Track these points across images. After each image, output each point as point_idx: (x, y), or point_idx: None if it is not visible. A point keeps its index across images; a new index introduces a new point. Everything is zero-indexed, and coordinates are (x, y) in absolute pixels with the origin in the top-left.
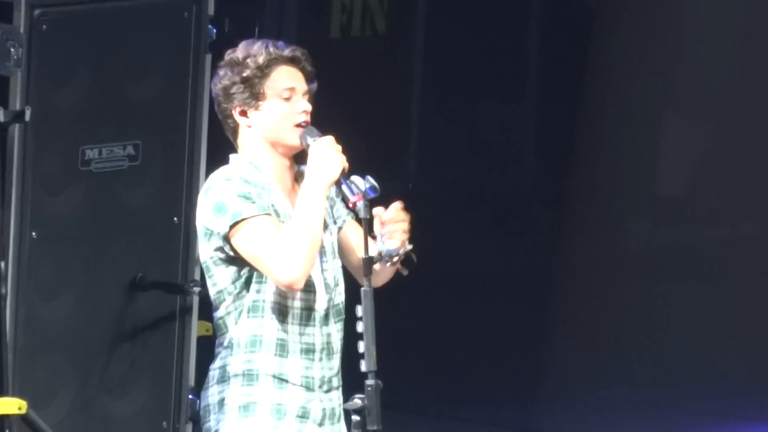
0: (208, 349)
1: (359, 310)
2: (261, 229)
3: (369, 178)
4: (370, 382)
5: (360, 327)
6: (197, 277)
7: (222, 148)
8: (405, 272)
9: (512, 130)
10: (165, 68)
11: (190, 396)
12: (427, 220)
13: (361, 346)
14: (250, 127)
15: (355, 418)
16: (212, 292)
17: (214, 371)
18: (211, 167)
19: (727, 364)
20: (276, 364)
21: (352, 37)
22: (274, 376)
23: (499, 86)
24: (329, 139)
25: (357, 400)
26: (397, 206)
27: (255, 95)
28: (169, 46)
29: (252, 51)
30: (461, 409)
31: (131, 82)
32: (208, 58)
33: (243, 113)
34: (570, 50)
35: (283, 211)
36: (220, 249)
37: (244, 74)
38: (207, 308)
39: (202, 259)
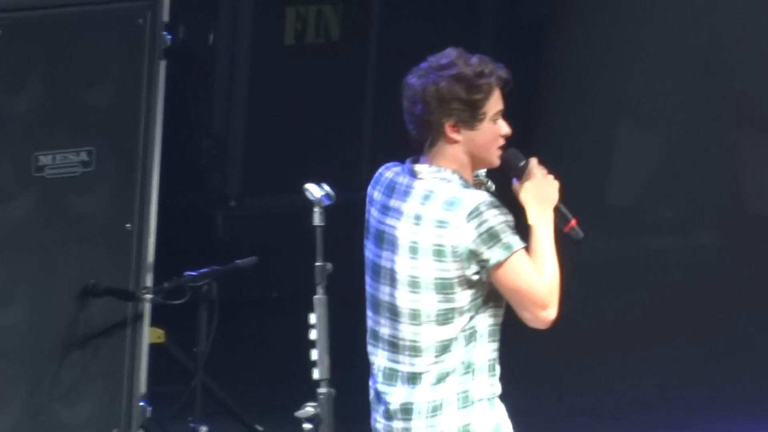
0: (159, 356)
1: (312, 318)
2: (526, 264)
3: (324, 185)
4: (322, 390)
5: (313, 335)
6: (149, 283)
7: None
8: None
9: None
10: (119, 74)
11: (141, 403)
12: None
13: (314, 354)
14: (458, 141)
15: (306, 426)
16: (438, 307)
17: (450, 397)
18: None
19: (678, 373)
20: (499, 387)
21: (306, 44)
22: (492, 398)
23: None
24: (537, 161)
25: (309, 408)
26: None
27: (475, 116)
28: (124, 52)
29: (479, 69)
30: None
31: (85, 88)
32: (163, 64)
33: (456, 129)
34: (522, 59)
35: None
36: (477, 273)
37: (474, 96)
38: (158, 315)
39: (439, 275)
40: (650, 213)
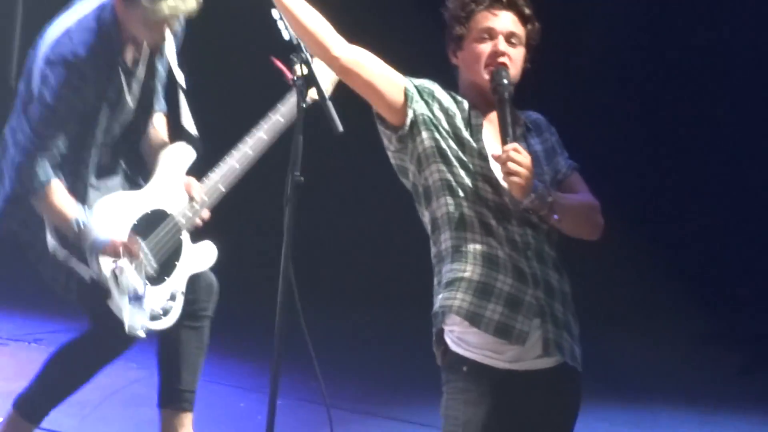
0: None
1: None
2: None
3: None
4: None
5: None
6: None
7: None
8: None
9: None
10: None
11: None
12: None
13: None
14: (457, 67)
15: None
16: None
17: None
18: None
19: None
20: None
21: None
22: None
23: None
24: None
25: None
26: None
27: (460, 34)
28: None
29: None
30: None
31: None
32: None
33: (453, 53)
34: None
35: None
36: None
37: (456, 12)
38: None
39: None
40: None
